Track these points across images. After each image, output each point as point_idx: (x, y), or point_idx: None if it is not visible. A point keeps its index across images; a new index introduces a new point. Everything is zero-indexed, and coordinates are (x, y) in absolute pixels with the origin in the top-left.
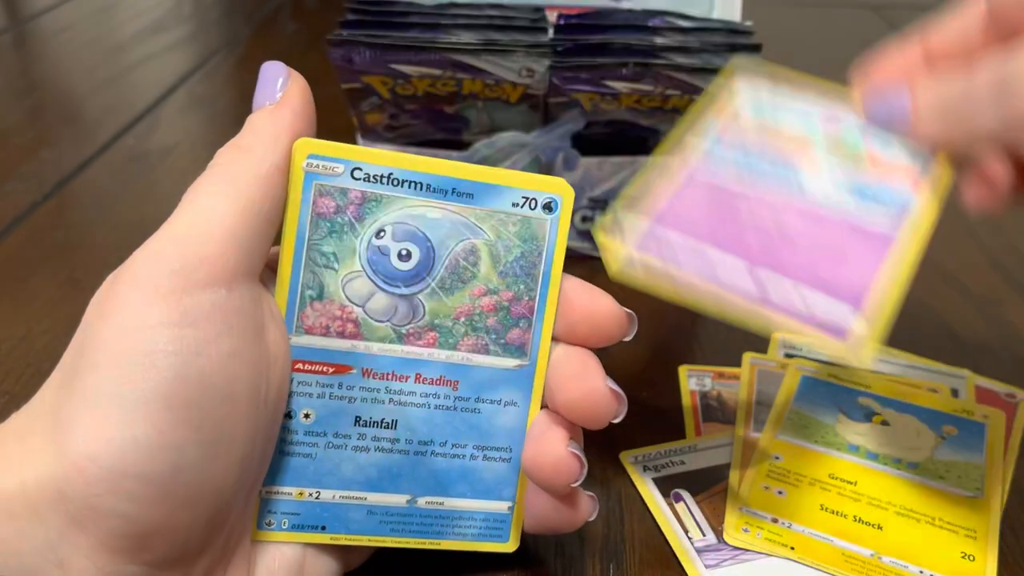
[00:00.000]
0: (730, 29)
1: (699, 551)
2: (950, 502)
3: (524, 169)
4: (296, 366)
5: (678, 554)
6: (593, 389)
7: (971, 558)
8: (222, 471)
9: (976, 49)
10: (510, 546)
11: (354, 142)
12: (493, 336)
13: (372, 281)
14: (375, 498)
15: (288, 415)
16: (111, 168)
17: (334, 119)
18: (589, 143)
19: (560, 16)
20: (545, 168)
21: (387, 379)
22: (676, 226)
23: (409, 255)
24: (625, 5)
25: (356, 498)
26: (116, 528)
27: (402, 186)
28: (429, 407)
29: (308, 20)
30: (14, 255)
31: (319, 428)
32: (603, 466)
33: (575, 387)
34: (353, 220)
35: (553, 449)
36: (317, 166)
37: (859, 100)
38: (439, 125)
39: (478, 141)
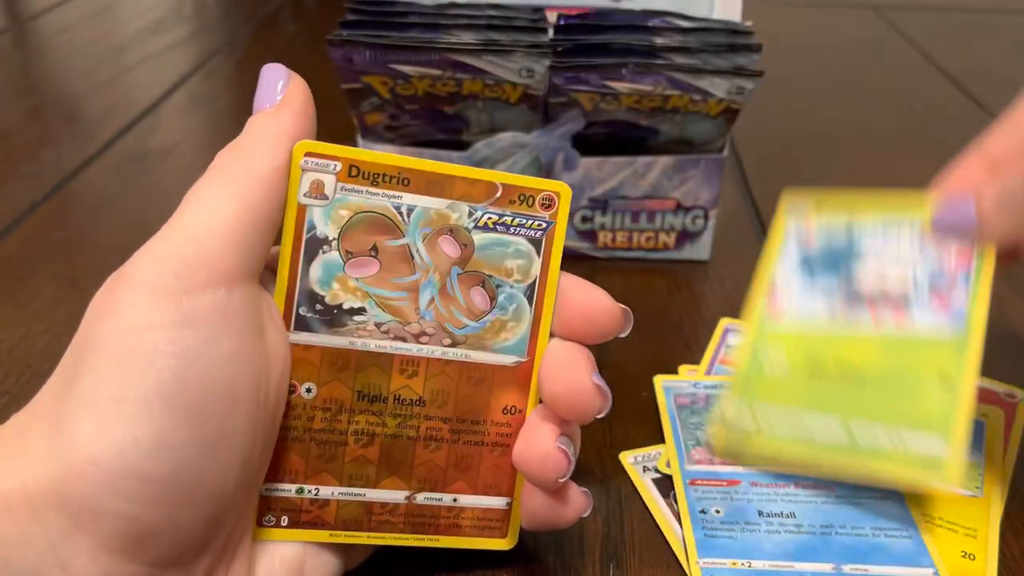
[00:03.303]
0: (730, 29)
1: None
2: (950, 501)
3: (524, 169)
4: None
5: (676, 551)
6: (577, 384)
7: (971, 557)
8: (222, 471)
9: None
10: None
11: (354, 142)
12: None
13: None
14: None
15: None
16: (111, 168)
17: (334, 119)
18: (589, 143)
19: (560, 16)
20: (545, 168)
21: None
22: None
23: None
24: (625, 5)
25: None
26: (116, 528)
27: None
28: None
29: (308, 20)
30: (14, 255)
31: None
32: (603, 466)
33: (560, 381)
34: None
35: (540, 444)
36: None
37: (929, 213)
38: (439, 125)
39: (478, 141)
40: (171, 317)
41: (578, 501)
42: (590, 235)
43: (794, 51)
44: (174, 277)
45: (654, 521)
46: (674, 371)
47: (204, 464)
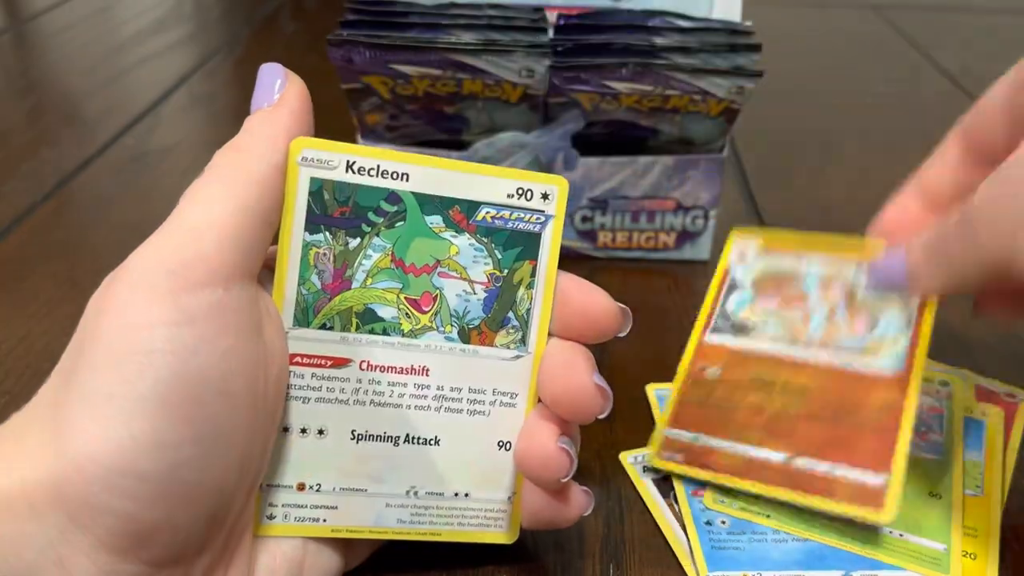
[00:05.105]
0: (730, 29)
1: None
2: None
3: (524, 168)
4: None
5: (678, 554)
6: (578, 384)
7: (972, 556)
8: (221, 469)
9: (968, 182)
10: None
11: (354, 142)
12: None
13: None
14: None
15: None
16: (111, 168)
17: (334, 119)
18: (589, 143)
19: (560, 16)
20: (545, 168)
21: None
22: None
23: None
24: (625, 5)
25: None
26: (115, 526)
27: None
28: None
29: (308, 20)
30: (14, 255)
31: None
32: (603, 466)
33: (561, 381)
34: None
35: (542, 444)
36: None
37: (865, 267)
38: (439, 125)
39: (478, 141)
40: (168, 315)
41: (579, 500)
42: (590, 235)
43: (794, 51)
44: (172, 275)
45: (654, 521)
46: (674, 371)
47: (202, 462)
